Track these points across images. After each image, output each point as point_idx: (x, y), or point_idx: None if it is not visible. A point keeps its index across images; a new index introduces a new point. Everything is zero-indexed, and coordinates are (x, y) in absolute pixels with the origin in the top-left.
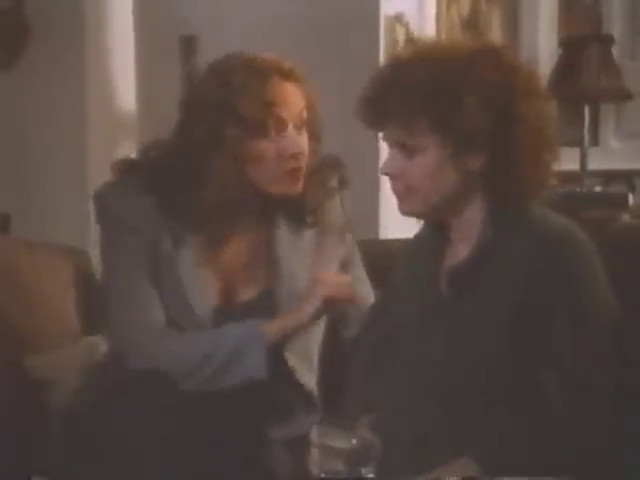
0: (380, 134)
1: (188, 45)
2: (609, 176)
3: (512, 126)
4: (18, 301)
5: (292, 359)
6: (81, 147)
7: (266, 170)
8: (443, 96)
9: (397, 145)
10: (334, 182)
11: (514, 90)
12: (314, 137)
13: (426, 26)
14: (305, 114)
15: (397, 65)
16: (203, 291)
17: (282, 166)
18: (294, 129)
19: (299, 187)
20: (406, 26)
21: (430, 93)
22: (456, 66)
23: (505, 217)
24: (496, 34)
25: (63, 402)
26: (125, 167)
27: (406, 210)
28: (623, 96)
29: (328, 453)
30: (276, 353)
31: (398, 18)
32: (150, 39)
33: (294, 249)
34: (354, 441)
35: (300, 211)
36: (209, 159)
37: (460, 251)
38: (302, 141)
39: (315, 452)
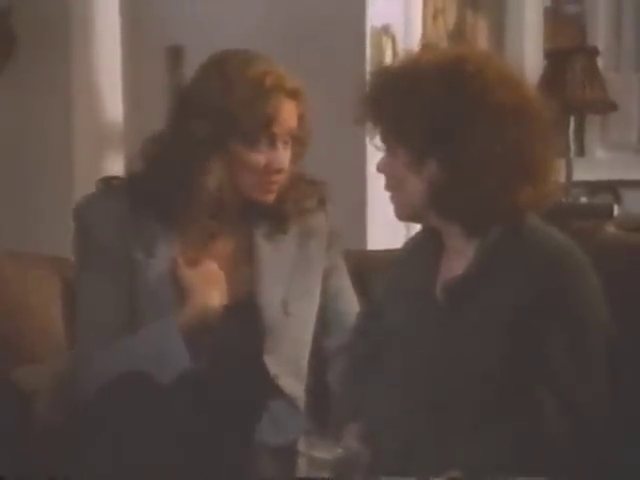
0: (371, 142)
1: (175, 56)
2: (594, 187)
3: (459, 143)
4: (4, 312)
5: (275, 365)
6: (67, 157)
7: (250, 178)
8: (390, 108)
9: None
10: (313, 202)
11: (463, 109)
12: (300, 147)
13: (412, 38)
14: (295, 131)
15: (382, 72)
16: (178, 299)
17: (265, 177)
18: (282, 145)
19: (273, 197)
20: (392, 38)
21: (382, 103)
22: (406, 82)
23: (501, 232)
24: (482, 46)
25: (50, 413)
26: (108, 181)
27: (396, 213)
28: (608, 107)
29: (315, 464)
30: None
31: (384, 30)
32: (137, 50)
33: (274, 256)
34: (341, 451)
35: (277, 219)
36: (206, 159)
37: (456, 263)
38: (286, 157)
39: (302, 462)
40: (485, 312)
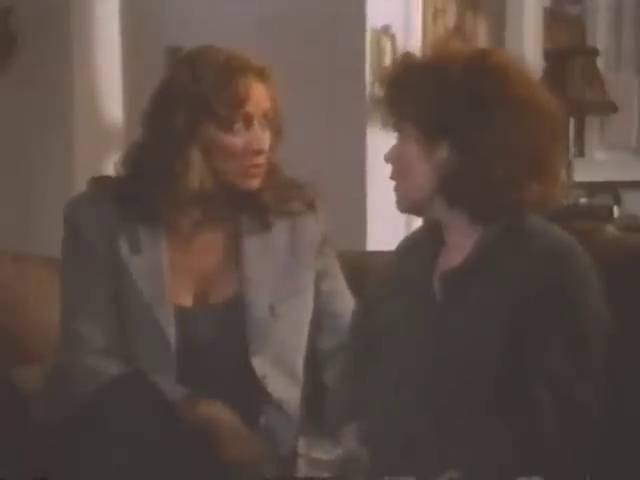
0: (371, 143)
1: (175, 56)
2: (594, 188)
3: (474, 128)
4: (3, 312)
5: (263, 367)
6: (67, 157)
7: (231, 164)
8: (410, 89)
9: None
10: (300, 205)
11: (481, 93)
12: (276, 133)
13: (412, 38)
14: (270, 113)
15: (406, 58)
16: (162, 294)
17: (246, 161)
18: (259, 126)
19: (258, 183)
20: (392, 38)
21: (398, 88)
22: (422, 65)
23: (503, 226)
24: (481, 46)
25: (48, 414)
26: (98, 180)
27: (398, 204)
28: (608, 108)
29: (314, 465)
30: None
31: (384, 30)
32: (137, 50)
33: (262, 257)
34: (339, 452)
35: (258, 209)
36: (185, 150)
37: (454, 258)
38: (265, 138)
39: (301, 463)
40: (482, 307)
